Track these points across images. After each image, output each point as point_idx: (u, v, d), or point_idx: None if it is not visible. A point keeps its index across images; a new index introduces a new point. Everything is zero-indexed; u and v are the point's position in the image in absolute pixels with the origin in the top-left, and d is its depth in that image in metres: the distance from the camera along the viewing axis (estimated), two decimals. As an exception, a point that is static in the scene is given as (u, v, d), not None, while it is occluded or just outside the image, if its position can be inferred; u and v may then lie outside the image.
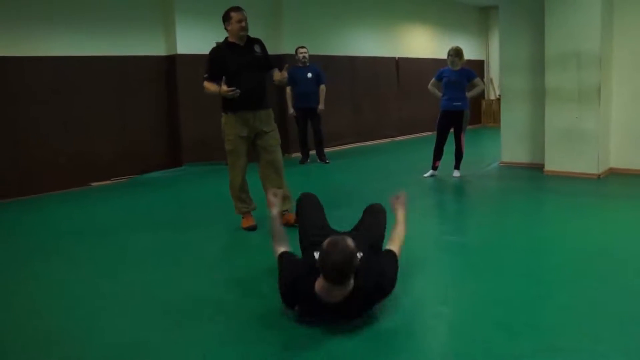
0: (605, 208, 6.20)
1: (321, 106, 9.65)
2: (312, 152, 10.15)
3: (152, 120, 9.37)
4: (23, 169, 7.82)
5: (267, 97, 5.50)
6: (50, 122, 8.09)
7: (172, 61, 9.45)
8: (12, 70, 7.72)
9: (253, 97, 5.30)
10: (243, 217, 5.59)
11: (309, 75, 9.50)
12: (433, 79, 8.11)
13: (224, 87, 5.11)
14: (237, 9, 5.35)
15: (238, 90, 5.11)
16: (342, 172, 9.06)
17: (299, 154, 10.25)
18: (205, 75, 5.37)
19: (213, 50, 5.56)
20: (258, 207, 5.63)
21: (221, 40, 5.65)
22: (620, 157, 7.88)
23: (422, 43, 14.73)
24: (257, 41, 5.54)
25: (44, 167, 7.99)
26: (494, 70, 16.35)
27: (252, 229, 5.48)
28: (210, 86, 5.30)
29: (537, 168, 8.24)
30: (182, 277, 4.28)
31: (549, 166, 7.96)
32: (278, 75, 5.53)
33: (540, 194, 7.15)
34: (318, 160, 9.95)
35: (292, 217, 5.30)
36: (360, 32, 12.71)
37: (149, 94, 9.31)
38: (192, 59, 9.37)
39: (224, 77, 5.13)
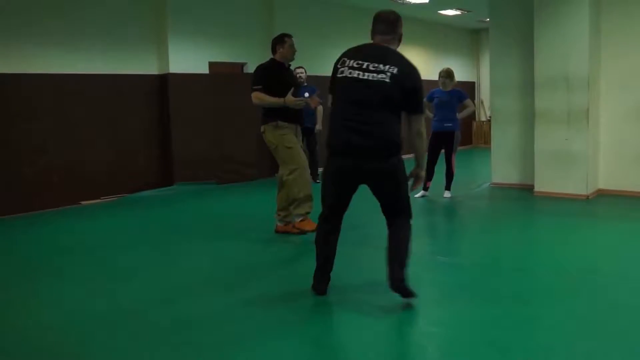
0: (593, 229, 6.24)
1: (319, 126, 9.68)
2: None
3: (144, 139, 9.37)
4: (14, 187, 7.78)
5: (302, 117, 6.16)
6: (42, 140, 8.07)
7: (164, 80, 9.48)
8: (6, 88, 7.71)
9: (298, 111, 5.89)
10: (304, 219, 5.87)
11: (306, 95, 9.54)
12: (424, 100, 8.16)
13: (291, 97, 5.65)
14: (289, 35, 5.98)
15: (304, 101, 5.83)
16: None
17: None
18: (258, 87, 5.77)
19: (266, 65, 5.98)
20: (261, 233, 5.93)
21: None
22: (608, 178, 7.94)
23: (414, 64, 14.80)
24: (290, 69, 6.27)
25: (35, 186, 7.96)
26: (484, 91, 16.49)
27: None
28: (265, 96, 5.71)
29: (527, 189, 8.28)
30: (175, 297, 4.26)
31: (539, 187, 8.00)
32: (311, 100, 6.26)
33: (530, 214, 7.18)
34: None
35: (312, 224, 5.66)
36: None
37: (141, 113, 9.32)
38: (184, 78, 9.41)
39: (292, 89, 5.70)
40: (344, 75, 3.79)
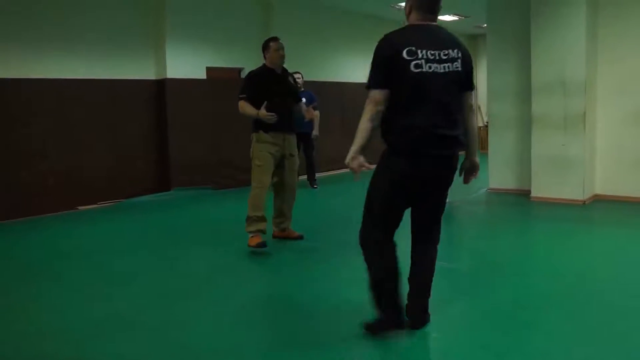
0: (590, 234, 6.25)
1: (315, 132, 9.66)
2: (302, 177, 10.15)
3: (142, 144, 9.37)
4: (13, 192, 7.78)
5: (294, 124, 5.92)
6: (41, 145, 8.07)
7: (162, 85, 9.49)
8: (6, 92, 7.72)
9: (284, 120, 5.60)
10: (253, 236, 5.47)
11: (303, 100, 9.53)
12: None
13: (263, 111, 5.40)
14: (275, 39, 5.77)
15: (275, 116, 5.41)
16: (330, 197, 9.09)
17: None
18: (242, 96, 5.63)
19: (252, 73, 5.82)
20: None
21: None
22: (605, 183, 7.96)
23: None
24: (289, 73, 6.12)
25: (32, 190, 7.95)
26: (482, 97, 16.51)
27: (262, 245, 5.40)
28: (246, 107, 5.56)
29: (524, 194, 8.30)
30: (172, 301, 4.26)
31: (536, 192, 8.02)
32: (306, 111, 6.22)
33: (526, 220, 7.20)
34: (308, 185, 9.97)
35: (294, 232, 5.95)
36: (351, 59, 12.85)
37: (139, 118, 9.33)
38: (181, 83, 9.43)
39: (265, 102, 5.43)
40: (421, 70, 3.15)
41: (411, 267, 3.55)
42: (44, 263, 5.54)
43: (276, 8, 10.88)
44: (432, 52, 3.20)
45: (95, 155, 8.70)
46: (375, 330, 3.42)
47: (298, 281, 4.68)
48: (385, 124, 3.28)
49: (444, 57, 3.22)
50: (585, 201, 7.64)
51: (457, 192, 8.44)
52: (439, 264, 4.88)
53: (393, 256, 3.45)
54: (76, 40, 8.46)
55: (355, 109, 13.15)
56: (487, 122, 11.81)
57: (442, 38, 3.31)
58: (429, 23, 3.34)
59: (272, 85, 5.69)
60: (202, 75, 9.80)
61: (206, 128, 9.81)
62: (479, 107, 16.87)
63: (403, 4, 11.93)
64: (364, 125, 3.27)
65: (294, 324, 3.73)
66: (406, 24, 3.42)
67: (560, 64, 7.66)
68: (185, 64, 9.55)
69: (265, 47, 5.79)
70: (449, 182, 3.45)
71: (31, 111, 7.99)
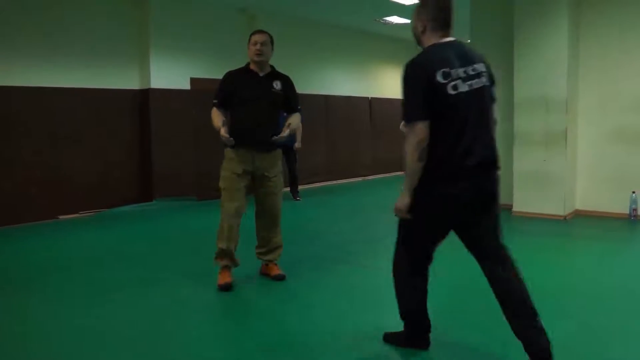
0: (570, 249, 6.30)
1: (298, 144, 9.68)
2: (284, 189, 10.14)
3: (124, 154, 9.32)
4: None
5: (270, 139, 4.72)
6: (22, 154, 8.00)
7: (145, 95, 9.46)
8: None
9: (257, 134, 4.61)
10: (220, 272, 4.75)
11: (285, 113, 9.53)
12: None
13: (223, 130, 4.48)
14: (257, 31, 4.79)
15: (232, 141, 4.49)
16: (313, 209, 9.07)
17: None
18: (215, 101, 4.74)
19: (227, 73, 4.84)
20: (242, 265, 4.92)
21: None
22: (585, 199, 8.04)
23: (394, 84, 14.93)
24: (282, 77, 4.87)
25: (13, 199, 7.87)
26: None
27: (227, 287, 4.63)
28: (215, 117, 4.65)
29: (505, 209, 8.33)
30: (154, 316, 4.21)
31: (517, 207, 8.08)
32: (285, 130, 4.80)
33: (507, 234, 7.15)
34: (291, 198, 9.97)
35: (275, 269, 4.95)
36: (335, 72, 12.90)
37: (122, 128, 9.29)
38: (165, 94, 9.41)
39: (228, 114, 4.62)
40: (458, 91, 2.95)
41: (503, 292, 3.37)
42: (22, 273, 5.46)
43: (260, 20, 10.90)
44: (465, 69, 3.01)
45: (77, 164, 8.64)
46: (398, 343, 3.47)
47: (285, 287, 4.65)
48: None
49: (472, 73, 3.04)
50: (566, 216, 7.70)
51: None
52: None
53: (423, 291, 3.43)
54: (60, 49, 8.43)
55: (339, 121, 13.28)
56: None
57: (468, 52, 3.12)
58: (452, 40, 3.14)
59: (244, 89, 4.66)
60: (186, 85, 9.77)
61: (189, 138, 9.78)
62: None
63: (387, 18, 11.92)
64: (415, 166, 2.99)
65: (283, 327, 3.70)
66: (419, 48, 3.21)
67: (542, 81, 7.75)
68: (169, 75, 9.53)
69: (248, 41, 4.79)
70: (496, 199, 3.37)
71: (11, 120, 7.92)
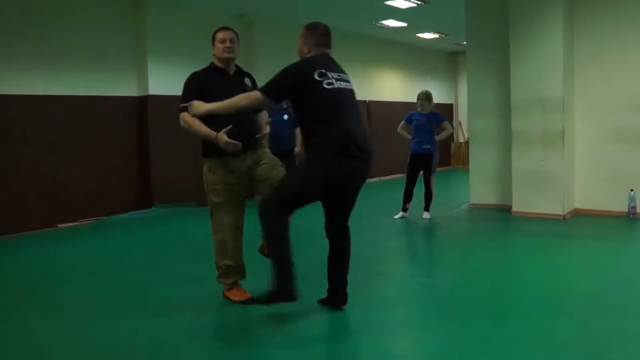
0: (570, 248, 6.30)
1: (298, 149, 9.66)
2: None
3: (122, 160, 9.31)
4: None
5: (253, 136, 4.37)
6: (20, 162, 7.98)
7: (143, 102, 9.46)
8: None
9: (244, 136, 4.14)
10: (231, 289, 4.49)
11: (285, 117, 9.51)
12: (403, 122, 8.24)
13: (224, 136, 4.01)
14: (223, 28, 4.51)
15: (240, 145, 4.05)
16: (311, 213, 9.05)
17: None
18: (184, 105, 4.26)
19: (194, 74, 4.46)
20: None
21: None
22: (584, 198, 8.05)
23: (392, 87, 15.01)
24: (248, 75, 4.60)
25: (11, 209, 7.85)
26: (462, 113, 16.69)
27: (250, 302, 4.31)
28: (195, 122, 4.18)
29: (505, 209, 8.36)
30: (153, 323, 4.21)
31: (516, 207, 8.09)
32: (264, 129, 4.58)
33: (507, 235, 7.24)
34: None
35: (241, 294, 4.49)
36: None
37: (120, 135, 9.27)
38: (163, 100, 9.40)
39: (230, 126, 4.00)
40: (334, 87, 3.77)
41: (336, 255, 4.12)
42: (21, 283, 5.46)
43: (258, 26, 10.92)
44: (339, 74, 3.87)
45: (75, 172, 8.62)
46: (270, 301, 3.75)
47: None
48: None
49: (345, 79, 3.91)
50: (565, 216, 7.72)
51: (438, 208, 8.53)
52: (419, 280, 4.90)
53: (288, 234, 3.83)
54: (56, 57, 8.42)
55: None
56: (467, 138, 11.93)
57: (338, 65, 3.99)
58: (328, 53, 4.01)
59: (218, 89, 4.24)
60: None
61: (188, 145, 9.75)
62: (460, 124, 17.05)
63: (384, 22, 11.99)
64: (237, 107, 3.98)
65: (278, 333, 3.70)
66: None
67: (539, 81, 7.77)
68: (167, 81, 9.51)
69: (212, 39, 4.50)
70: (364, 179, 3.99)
71: (10, 128, 7.91)
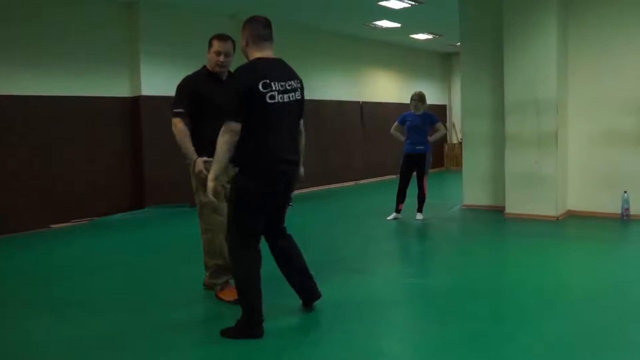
0: (563, 249, 6.30)
1: None
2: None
3: (116, 161, 9.28)
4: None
5: None
6: (11, 162, 7.95)
7: (136, 102, 9.43)
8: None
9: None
10: (222, 289, 4.54)
11: None
12: (396, 123, 8.24)
13: (201, 164, 4.17)
14: (222, 38, 4.45)
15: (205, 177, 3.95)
16: (305, 215, 9.06)
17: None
18: (178, 110, 4.31)
19: (188, 78, 4.47)
20: None
21: None
22: (577, 199, 8.06)
23: (385, 88, 15.02)
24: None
25: (4, 209, 7.81)
26: (456, 114, 16.73)
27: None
28: (184, 133, 4.28)
29: (498, 210, 8.37)
30: (143, 325, 4.19)
31: (510, 209, 8.09)
32: None
33: (500, 236, 7.25)
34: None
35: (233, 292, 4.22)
36: (326, 76, 12.91)
37: (113, 136, 9.25)
38: (156, 101, 9.38)
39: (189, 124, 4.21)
40: (275, 101, 3.59)
41: (289, 259, 4.03)
42: (13, 284, 5.43)
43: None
44: (282, 83, 3.63)
45: (69, 172, 8.59)
46: (236, 335, 3.65)
47: (277, 291, 4.63)
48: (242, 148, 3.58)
49: (289, 88, 3.67)
50: (558, 217, 7.73)
51: (432, 209, 8.53)
52: (412, 281, 4.90)
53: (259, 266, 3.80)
54: (49, 57, 8.39)
55: (330, 126, 13.31)
56: (461, 140, 11.95)
57: (287, 69, 3.77)
58: (272, 55, 3.76)
59: (214, 95, 4.21)
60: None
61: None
62: (453, 125, 17.09)
63: (377, 23, 11.99)
64: (224, 158, 3.58)
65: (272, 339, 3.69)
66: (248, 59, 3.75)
67: (532, 83, 7.79)
68: (160, 81, 9.49)
69: (208, 43, 4.48)
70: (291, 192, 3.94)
71: (2, 129, 7.87)
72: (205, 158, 4.14)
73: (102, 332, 3.97)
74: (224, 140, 3.49)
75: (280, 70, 3.70)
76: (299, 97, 3.77)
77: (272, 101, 3.57)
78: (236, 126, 3.49)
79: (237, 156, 3.60)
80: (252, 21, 3.78)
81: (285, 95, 3.64)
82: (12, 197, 7.91)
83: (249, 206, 3.69)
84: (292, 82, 3.72)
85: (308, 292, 4.10)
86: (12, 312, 4.54)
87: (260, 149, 3.59)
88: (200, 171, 4.16)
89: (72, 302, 4.73)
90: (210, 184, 3.56)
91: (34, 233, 7.95)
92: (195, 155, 4.21)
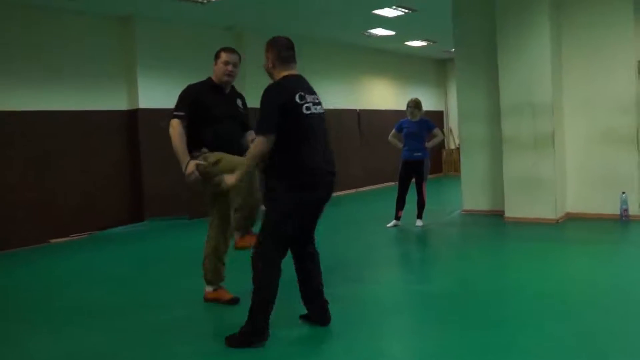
0: (563, 252, 6.30)
1: None
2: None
3: (114, 174, 9.29)
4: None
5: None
6: (10, 176, 7.96)
7: (134, 115, 9.45)
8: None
9: (234, 148, 4.39)
10: (218, 289, 4.75)
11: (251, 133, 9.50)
12: (393, 131, 8.25)
13: (193, 166, 4.23)
14: (230, 50, 4.59)
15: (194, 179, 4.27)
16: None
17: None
18: (179, 114, 4.42)
19: (192, 86, 4.59)
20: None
21: None
22: (576, 201, 8.07)
23: (382, 95, 15.06)
24: (240, 96, 4.81)
25: (3, 224, 7.81)
26: (453, 120, 16.75)
27: (235, 301, 4.64)
28: (180, 135, 4.36)
29: (497, 215, 8.37)
30: (145, 339, 4.19)
31: (509, 213, 8.10)
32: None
33: (500, 240, 7.25)
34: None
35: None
36: (323, 84, 12.91)
37: (111, 149, 9.26)
38: (153, 114, 9.40)
39: (201, 155, 4.31)
40: (311, 112, 3.71)
41: (307, 273, 4.00)
42: (12, 299, 5.42)
43: (247, 37, 10.93)
44: (312, 97, 3.77)
45: (67, 186, 8.60)
46: (243, 343, 3.65)
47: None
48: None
49: (317, 101, 3.81)
50: (558, 220, 7.73)
51: (431, 214, 8.53)
52: (413, 287, 4.89)
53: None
54: (46, 72, 8.42)
55: (328, 134, 13.17)
56: (458, 145, 11.97)
57: (310, 86, 3.87)
58: (299, 74, 3.87)
59: (215, 105, 4.49)
60: (174, 105, 9.73)
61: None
62: (451, 130, 17.11)
63: (372, 31, 11.99)
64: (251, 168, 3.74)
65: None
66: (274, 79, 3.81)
67: (527, 85, 7.82)
68: (157, 94, 9.52)
69: (215, 56, 4.58)
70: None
71: (1, 143, 7.89)
72: (197, 162, 4.26)
73: (101, 346, 3.97)
74: (259, 150, 3.59)
75: (307, 85, 3.83)
76: (322, 112, 3.89)
77: (308, 112, 3.68)
78: (265, 140, 3.56)
79: (278, 168, 3.66)
80: (276, 44, 3.87)
81: (317, 107, 3.78)
82: (10, 211, 7.92)
83: (290, 216, 3.71)
84: (316, 96, 3.84)
85: (318, 316, 4.04)
86: (10, 328, 4.52)
87: (302, 160, 3.67)
88: (190, 173, 4.26)
89: (71, 317, 4.71)
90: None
91: (34, 248, 7.94)
92: (187, 157, 4.31)
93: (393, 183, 10.22)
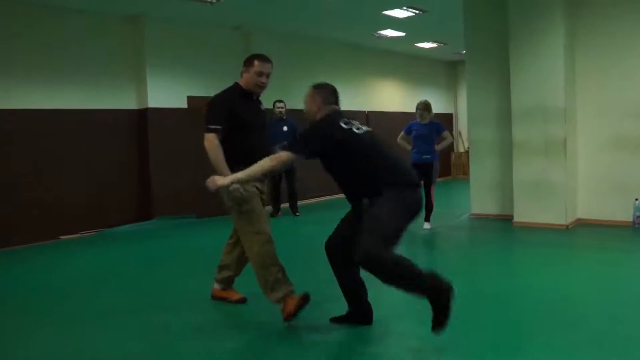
0: (573, 258, 6.23)
1: (296, 163, 9.62)
2: (284, 205, 10.12)
3: (124, 173, 9.33)
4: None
5: None
6: (21, 174, 8.02)
7: (143, 114, 9.46)
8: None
9: (255, 152, 4.14)
10: (227, 288, 4.69)
11: (285, 128, 9.47)
12: (402, 133, 8.20)
13: (226, 183, 3.82)
14: (264, 59, 4.42)
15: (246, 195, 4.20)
16: (312, 225, 9.04)
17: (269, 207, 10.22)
18: (215, 127, 4.21)
19: (222, 96, 4.39)
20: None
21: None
22: (587, 207, 7.99)
23: (391, 97, 15.01)
24: (261, 103, 4.69)
25: (13, 221, 7.88)
26: (462, 123, 16.67)
27: (244, 301, 4.68)
28: (218, 151, 4.19)
29: (506, 219, 8.31)
30: (152, 338, 4.16)
31: (518, 217, 8.03)
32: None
33: (509, 245, 7.19)
34: (290, 213, 9.94)
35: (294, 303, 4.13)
36: (331, 87, 12.91)
37: (120, 147, 9.30)
38: (162, 113, 9.41)
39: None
40: (363, 130, 3.83)
41: (356, 279, 4.13)
42: (20, 296, 5.41)
43: (256, 37, 10.91)
44: (357, 125, 3.88)
45: (77, 184, 8.67)
46: (443, 310, 3.58)
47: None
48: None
49: (360, 125, 3.90)
50: (568, 225, 7.66)
51: (439, 218, 8.48)
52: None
53: None
54: (56, 71, 8.46)
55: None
56: (468, 148, 11.90)
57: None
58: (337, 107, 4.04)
59: (250, 114, 4.39)
60: (183, 104, 9.77)
61: (188, 156, 9.76)
62: (460, 133, 17.04)
63: (383, 32, 11.95)
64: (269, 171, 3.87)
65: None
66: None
67: (540, 90, 7.74)
68: (166, 94, 9.53)
69: (247, 62, 4.41)
70: None
71: (10, 141, 7.94)
72: (236, 186, 4.10)
73: (106, 344, 3.95)
74: (272, 165, 3.71)
75: (347, 115, 3.94)
76: (371, 129, 4.00)
77: (360, 131, 3.80)
78: (292, 157, 3.75)
79: (372, 186, 3.73)
80: (322, 90, 4.01)
81: (364, 127, 3.89)
82: (23, 209, 8.01)
83: (404, 216, 3.81)
84: (358, 122, 3.94)
85: (360, 314, 4.10)
86: (14, 325, 4.51)
87: (388, 167, 3.76)
88: (237, 189, 4.14)
89: (76, 315, 4.71)
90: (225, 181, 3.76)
91: (44, 244, 8.02)
92: (229, 172, 4.08)
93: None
